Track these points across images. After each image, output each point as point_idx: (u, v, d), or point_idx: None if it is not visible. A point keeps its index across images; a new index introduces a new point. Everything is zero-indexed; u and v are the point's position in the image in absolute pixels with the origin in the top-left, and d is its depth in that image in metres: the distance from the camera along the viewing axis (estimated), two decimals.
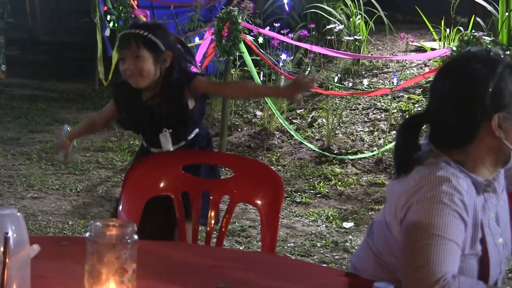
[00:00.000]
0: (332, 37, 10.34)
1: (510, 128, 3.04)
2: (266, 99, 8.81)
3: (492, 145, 3.05)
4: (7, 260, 2.61)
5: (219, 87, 5.77)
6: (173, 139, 4.82)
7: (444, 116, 3.12)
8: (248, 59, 8.68)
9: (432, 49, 9.29)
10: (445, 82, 3.17)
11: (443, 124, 3.13)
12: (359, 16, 10.47)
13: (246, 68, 9.09)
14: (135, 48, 4.62)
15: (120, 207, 3.89)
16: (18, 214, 2.84)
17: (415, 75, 9.22)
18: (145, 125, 4.94)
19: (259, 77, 8.89)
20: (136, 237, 2.69)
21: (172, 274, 3.07)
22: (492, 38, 7.67)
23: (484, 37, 7.45)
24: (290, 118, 9.26)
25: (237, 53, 8.65)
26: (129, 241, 2.66)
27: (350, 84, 9.52)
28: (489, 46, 7.23)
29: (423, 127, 3.16)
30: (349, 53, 9.65)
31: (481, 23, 9.18)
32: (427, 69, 9.12)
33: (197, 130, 4.92)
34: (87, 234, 2.67)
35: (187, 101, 4.75)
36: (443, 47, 8.95)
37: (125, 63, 4.64)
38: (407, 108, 8.86)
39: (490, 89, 3.02)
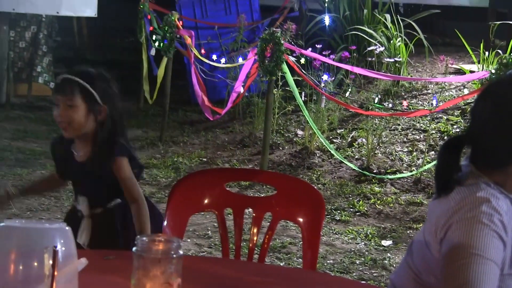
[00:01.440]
0: (373, 58, 10.32)
1: None
2: (307, 119, 8.80)
3: None
4: (55, 273, 2.63)
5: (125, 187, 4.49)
6: (90, 201, 4.48)
7: (484, 138, 3.10)
8: (290, 79, 8.69)
9: (471, 72, 9.26)
10: (486, 105, 3.14)
11: (483, 145, 3.11)
12: (399, 39, 10.46)
13: (288, 88, 9.08)
14: (69, 96, 4.29)
15: (165, 223, 3.90)
16: (67, 228, 2.86)
17: (454, 97, 9.20)
18: (76, 180, 4.61)
19: (301, 97, 8.89)
20: (181, 252, 2.70)
21: (215, 286, 3.08)
22: None
23: None
24: (331, 137, 9.26)
25: (280, 73, 8.65)
26: (174, 256, 2.66)
27: (390, 105, 9.50)
28: None
29: (464, 148, 3.15)
30: (389, 74, 9.63)
31: None
32: (466, 91, 9.09)
33: (119, 200, 4.43)
34: (134, 248, 2.69)
35: (111, 168, 4.33)
36: (482, 70, 8.91)
37: (57, 109, 4.35)
38: (445, 129, 8.84)
39: None
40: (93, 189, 4.43)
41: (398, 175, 8.30)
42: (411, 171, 8.32)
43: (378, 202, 7.93)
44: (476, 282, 2.87)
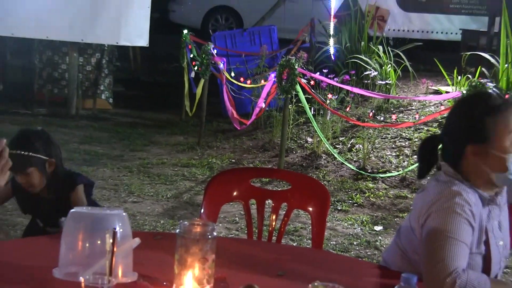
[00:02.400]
0: (368, 81, 10.30)
1: (487, 158, 3.02)
2: (316, 129, 8.78)
3: (475, 169, 3.04)
4: (115, 250, 2.63)
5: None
6: (48, 223, 4.34)
7: (444, 138, 3.17)
8: (302, 97, 8.67)
9: (447, 92, 9.22)
10: (450, 111, 3.28)
11: (444, 141, 3.18)
12: (389, 65, 10.43)
13: (300, 104, 9.07)
14: (22, 170, 4.07)
15: (202, 211, 3.90)
16: (124, 214, 2.87)
17: (433, 112, 9.16)
18: (39, 213, 4.43)
19: (311, 111, 8.87)
20: (215, 234, 2.70)
21: (242, 263, 3.07)
22: (494, 84, 7.62)
23: (488, 83, 7.39)
24: (334, 143, 9.23)
25: (294, 92, 8.64)
26: (209, 236, 2.66)
27: (382, 118, 9.48)
28: (493, 89, 7.19)
29: (438, 147, 3.23)
30: (381, 94, 9.60)
31: (486, 72, 9.11)
32: (442, 108, 9.05)
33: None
34: (177, 230, 2.68)
35: (70, 202, 4.17)
36: (455, 91, 8.87)
37: (17, 177, 4.13)
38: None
39: (475, 121, 3.03)
40: (51, 215, 4.24)
41: (388, 174, 8.28)
42: (398, 171, 8.29)
43: (372, 195, 7.91)
44: (450, 259, 2.89)
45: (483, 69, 9.17)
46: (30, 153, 4.06)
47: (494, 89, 7.25)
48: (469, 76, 8.99)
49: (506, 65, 8.86)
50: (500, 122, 3.02)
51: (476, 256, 3.02)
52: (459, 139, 3.07)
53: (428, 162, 3.21)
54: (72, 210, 2.88)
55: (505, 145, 3.02)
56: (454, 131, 3.12)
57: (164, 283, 2.71)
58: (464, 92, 7.38)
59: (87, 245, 2.79)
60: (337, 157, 8.64)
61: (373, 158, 8.72)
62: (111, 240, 2.65)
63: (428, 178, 3.22)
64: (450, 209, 2.99)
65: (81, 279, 2.45)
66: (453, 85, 9.45)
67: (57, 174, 4.26)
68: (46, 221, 4.37)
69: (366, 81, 10.34)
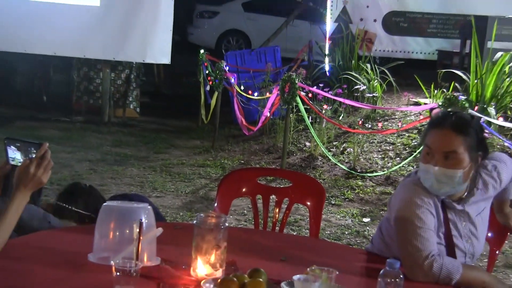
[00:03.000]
0: (358, 94, 10.28)
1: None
2: (313, 135, 8.77)
3: None
4: (141, 237, 2.63)
5: None
6: None
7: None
8: (301, 107, 8.66)
9: (425, 104, 9.19)
10: None
11: None
12: (376, 81, 10.42)
13: (299, 113, 9.06)
14: (62, 217, 3.97)
15: (216, 204, 3.90)
16: (149, 207, 2.87)
17: (413, 120, 9.11)
18: None
19: (308, 120, 8.86)
20: (226, 224, 2.69)
21: (250, 250, 3.07)
22: (465, 97, 7.59)
23: (460, 97, 7.37)
24: (328, 147, 9.20)
25: (294, 103, 8.63)
26: (222, 227, 2.66)
27: (369, 126, 9.45)
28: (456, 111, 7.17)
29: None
30: (368, 105, 9.59)
31: (458, 87, 9.09)
32: (421, 117, 9.02)
33: None
34: (194, 221, 2.69)
35: None
36: (432, 102, 8.84)
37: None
38: (407, 143, 8.77)
39: (428, 130, 3.05)
40: None
41: (375, 174, 8.26)
42: (383, 171, 8.27)
43: (361, 192, 7.89)
44: (424, 245, 2.89)
45: (456, 84, 9.14)
46: (72, 207, 4.04)
47: (449, 109, 7.19)
48: (444, 90, 8.95)
49: (475, 81, 8.84)
50: (427, 135, 3.02)
51: (439, 245, 3.00)
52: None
53: None
54: (104, 204, 2.89)
55: (423, 154, 3.03)
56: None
57: (183, 267, 2.71)
58: (440, 103, 7.35)
59: (117, 233, 2.79)
60: (331, 159, 8.63)
61: (362, 160, 8.71)
62: (137, 230, 2.66)
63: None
64: (412, 201, 2.98)
65: (112, 263, 2.45)
66: (430, 97, 9.42)
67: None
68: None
69: (356, 94, 10.33)
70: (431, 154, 2.97)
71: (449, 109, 3.40)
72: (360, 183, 8.15)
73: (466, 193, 3.05)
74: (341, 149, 9.17)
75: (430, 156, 2.98)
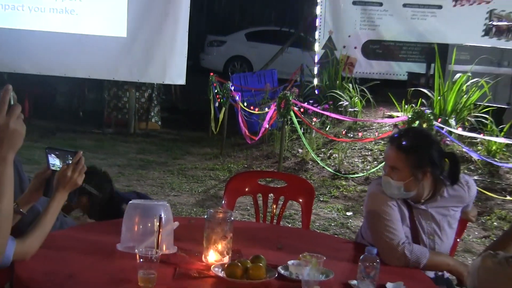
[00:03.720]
0: (342, 108, 10.28)
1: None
2: (304, 143, 8.77)
3: None
4: (160, 230, 2.62)
5: None
6: None
7: None
8: (294, 120, 8.67)
9: (397, 117, 9.18)
10: None
11: None
12: (356, 97, 10.40)
13: (293, 125, 9.07)
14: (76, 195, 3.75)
15: (223, 202, 3.89)
16: (167, 204, 2.86)
17: (388, 130, 9.11)
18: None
19: (301, 130, 8.86)
20: (232, 218, 2.69)
21: (252, 239, 3.06)
22: (430, 111, 7.58)
23: (426, 111, 7.36)
24: (317, 153, 9.19)
25: (289, 117, 8.64)
26: (228, 220, 2.66)
27: (351, 135, 9.44)
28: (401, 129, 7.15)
29: None
30: (350, 117, 9.59)
31: (425, 102, 9.08)
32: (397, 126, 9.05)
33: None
34: (205, 216, 2.68)
35: None
36: (403, 115, 8.83)
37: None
38: (383, 149, 8.76)
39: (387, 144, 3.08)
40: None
41: (356, 175, 8.25)
42: (363, 173, 8.26)
43: (344, 190, 7.88)
44: (394, 234, 2.89)
45: (423, 100, 9.13)
46: (85, 185, 3.83)
47: (406, 128, 7.15)
48: (413, 105, 8.94)
49: (439, 97, 8.85)
50: (386, 150, 3.04)
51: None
52: None
53: None
54: (130, 202, 2.88)
55: (384, 167, 3.03)
56: None
57: (196, 254, 2.70)
58: (409, 116, 7.35)
59: (141, 227, 2.78)
60: (319, 163, 8.62)
61: (345, 163, 8.70)
62: (158, 223, 2.65)
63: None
64: (378, 198, 2.99)
65: (136, 251, 2.44)
66: (401, 111, 9.42)
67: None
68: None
69: (340, 109, 10.32)
70: (385, 164, 3.01)
71: (404, 128, 3.37)
72: (344, 183, 8.14)
73: (429, 197, 3.03)
74: (328, 154, 9.16)
75: (385, 166, 3.01)
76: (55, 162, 2.67)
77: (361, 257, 2.44)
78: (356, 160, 8.79)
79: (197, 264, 2.62)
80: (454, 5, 11.81)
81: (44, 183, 2.66)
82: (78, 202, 4.08)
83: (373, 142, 9.04)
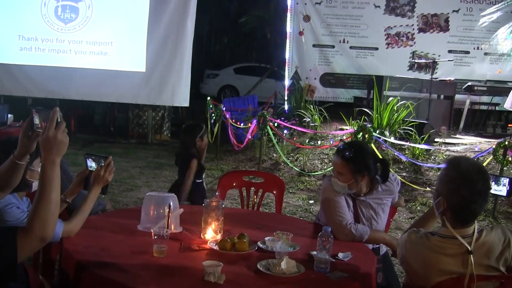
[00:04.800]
0: (305, 123, 10.26)
1: None
2: (277, 149, 8.75)
3: None
4: (170, 215, 2.61)
5: None
6: None
7: None
8: (270, 132, 8.67)
9: (346, 129, 9.21)
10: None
11: None
12: (316, 115, 10.41)
13: (269, 136, 9.05)
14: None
15: (217, 193, 3.88)
16: (174, 196, 2.84)
17: (339, 139, 9.16)
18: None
19: (275, 139, 8.85)
20: (223, 206, 2.67)
21: (238, 220, 3.04)
22: (371, 125, 7.61)
23: (367, 125, 7.39)
24: (288, 157, 9.19)
25: (266, 130, 8.63)
26: (221, 207, 2.64)
27: (313, 143, 9.45)
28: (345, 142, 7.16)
29: None
30: (312, 130, 9.60)
31: (366, 119, 9.11)
32: (344, 137, 9.04)
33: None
34: (203, 204, 2.67)
35: None
36: (350, 128, 8.86)
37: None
38: None
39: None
40: None
41: (316, 173, 8.26)
42: (321, 171, 8.27)
43: (308, 184, 7.88)
44: (342, 217, 2.87)
45: (365, 117, 9.17)
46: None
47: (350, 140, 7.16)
48: (358, 121, 8.99)
49: (377, 115, 8.89)
50: (333, 159, 3.00)
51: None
52: None
53: None
54: (147, 194, 2.86)
55: (333, 171, 2.99)
56: None
57: (197, 232, 2.69)
58: (355, 129, 7.36)
59: (155, 212, 2.77)
60: (289, 164, 8.62)
61: (308, 164, 8.70)
62: (167, 210, 2.63)
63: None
64: (330, 190, 2.97)
65: (152, 230, 2.43)
66: (349, 125, 9.45)
67: None
68: None
69: (304, 124, 10.31)
70: (333, 169, 2.99)
71: (347, 142, 3.37)
72: (307, 179, 8.15)
73: (367, 191, 3.03)
74: (295, 158, 9.17)
75: (333, 170, 2.99)
76: (92, 164, 2.66)
77: (319, 234, 2.44)
78: (316, 161, 8.81)
79: (197, 240, 2.61)
80: (387, 47, 11.96)
81: (84, 180, 2.66)
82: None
83: (329, 148, 9.06)
